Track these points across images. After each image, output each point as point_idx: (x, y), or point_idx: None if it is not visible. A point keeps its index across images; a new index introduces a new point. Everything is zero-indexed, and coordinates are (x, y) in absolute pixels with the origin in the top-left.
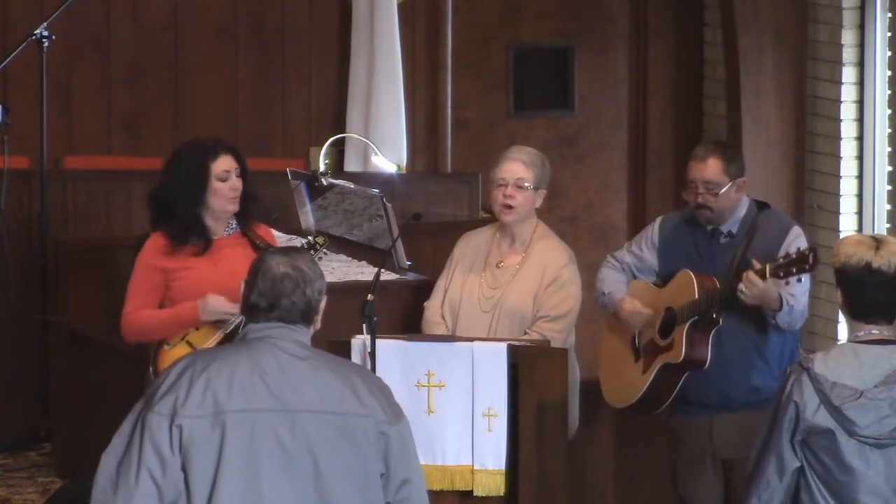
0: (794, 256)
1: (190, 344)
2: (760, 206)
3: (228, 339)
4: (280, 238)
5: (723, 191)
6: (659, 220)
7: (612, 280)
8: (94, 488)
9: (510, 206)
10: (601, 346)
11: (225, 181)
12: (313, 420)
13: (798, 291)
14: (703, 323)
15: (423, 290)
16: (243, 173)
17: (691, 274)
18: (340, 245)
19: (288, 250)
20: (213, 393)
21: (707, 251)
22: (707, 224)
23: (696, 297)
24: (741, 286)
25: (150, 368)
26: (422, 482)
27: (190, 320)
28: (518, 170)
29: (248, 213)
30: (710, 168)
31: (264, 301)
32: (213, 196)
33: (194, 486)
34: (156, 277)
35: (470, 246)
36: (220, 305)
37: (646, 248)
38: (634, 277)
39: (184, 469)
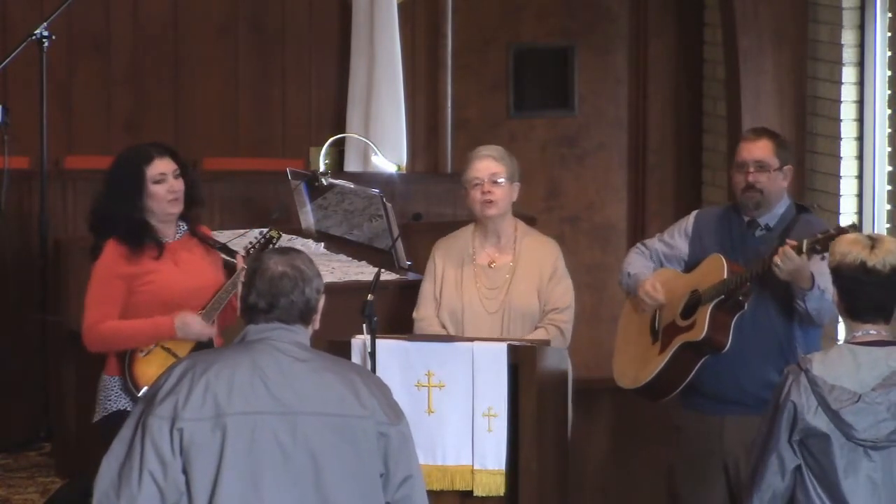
0: (832, 232)
1: (166, 349)
2: (800, 208)
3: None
4: (222, 236)
5: (773, 170)
6: (695, 212)
7: (638, 264)
8: (96, 492)
9: (490, 201)
10: (619, 327)
11: (160, 183)
12: (314, 422)
13: (830, 286)
14: (729, 305)
15: None
16: (185, 174)
17: (722, 258)
18: (340, 245)
19: (285, 250)
20: (213, 396)
21: (741, 242)
22: (754, 208)
23: (725, 277)
24: (776, 259)
25: (126, 377)
26: (421, 479)
27: (165, 336)
28: (491, 166)
29: (194, 217)
30: (762, 148)
31: (263, 301)
32: (151, 200)
33: (195, 488)
34: (119, 285)
35: (451, 251)
36: (197, 327)
37: (678, 237)
38: (661, 266)
39: (185, 471)
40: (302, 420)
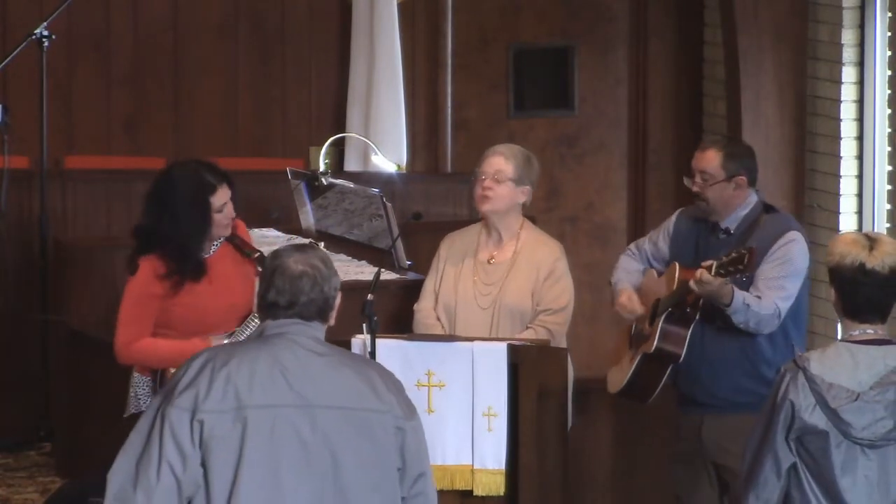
0: (734, 255)
1: None
2: (769, 208)
3: None
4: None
5: (716, 183)
6: (678, 211)
7: (623, 269)
8: (110, 485)
9: (486, 196)
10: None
11: (221, 212)
12: (332, 416)
13: (770, 293)
14: (677, 317)
15: None
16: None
17: (677, 266)
18: (340, 245)
19: (303, 247)
20: (234, 388)
21: (705, 246)
22: (703, 215)
23: (675, 287)
24: (691, 281)
25: (157, 379)
26: (432, 477)
27: None
28: (497, 162)
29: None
30: (708, 159)
31: (283, 299)
32: (213, 227)
33: (214, 480)
34: (153, 304)
35: (456, 246)
36: None
37: (662, 237)
38: (650, 265)
39: (203, 464)
40: (321, 413)
